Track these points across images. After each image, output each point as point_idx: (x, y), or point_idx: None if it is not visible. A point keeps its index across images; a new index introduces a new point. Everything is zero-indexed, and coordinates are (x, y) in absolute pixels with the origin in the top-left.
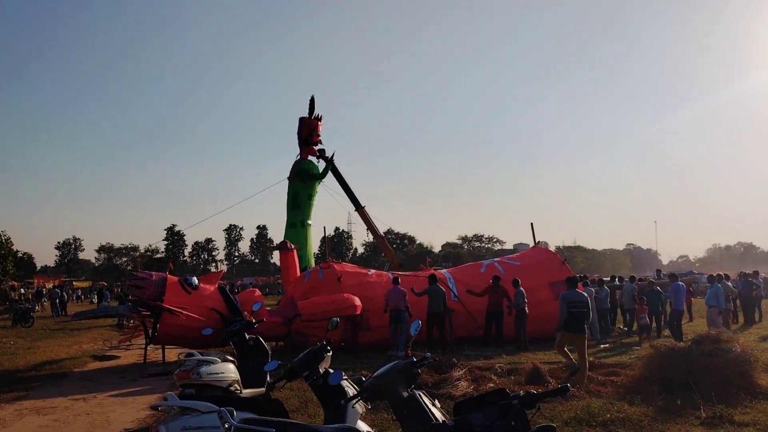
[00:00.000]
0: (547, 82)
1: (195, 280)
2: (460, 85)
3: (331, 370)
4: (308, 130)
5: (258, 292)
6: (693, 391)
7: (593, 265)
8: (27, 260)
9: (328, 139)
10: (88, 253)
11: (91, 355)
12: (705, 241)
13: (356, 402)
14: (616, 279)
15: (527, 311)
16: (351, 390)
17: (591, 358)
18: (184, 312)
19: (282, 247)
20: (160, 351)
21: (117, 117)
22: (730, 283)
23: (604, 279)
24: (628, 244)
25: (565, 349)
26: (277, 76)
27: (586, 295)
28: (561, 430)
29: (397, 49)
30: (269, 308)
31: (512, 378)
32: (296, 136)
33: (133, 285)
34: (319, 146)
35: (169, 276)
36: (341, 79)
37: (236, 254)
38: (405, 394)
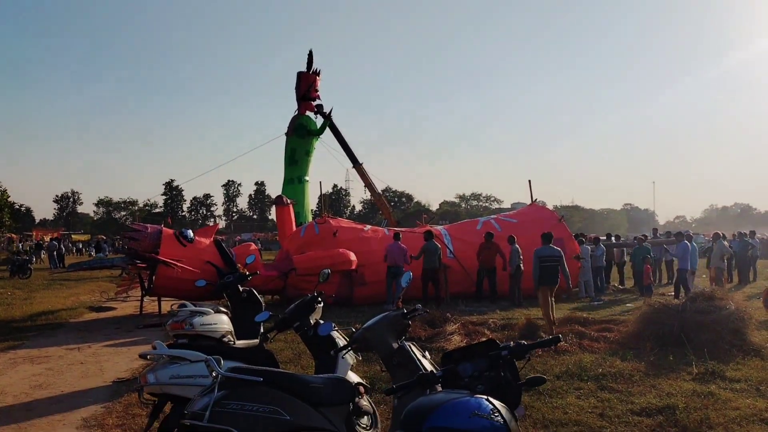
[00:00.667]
0: (549, 39)
1: (190, 233)
2: (461, 41)
3: (322, 321)
4: (306, 86)
5: (254, 246)
6: (686, 347)
7: (590, 225)
8: (25, 213)
9: (327, 94)
10: (87, 207)
11: (88, 306)
12: (702, 201)
13: (346, 353)
14: (612, 237)
15: (523, 268)
16: (341, 341)
17: (585, 314)
18: (179, 264)
19: (278, 201)
20: (156, 303)
21: (117, 69)
22: (726, 243)
23: (601, 237)
24: (625, 204)
25: (549, 309)
26: (277, 30)
27: (558, 249)
28: (552, 384)
29: (399, 8)
30: (266, 263)
31: (506, 333)
32: (294, 91)
33: (129, 237)
34: (317, 102)
35: (164, 229)
36: (341, 34)
37: (234, 210)
38: (395, 345)
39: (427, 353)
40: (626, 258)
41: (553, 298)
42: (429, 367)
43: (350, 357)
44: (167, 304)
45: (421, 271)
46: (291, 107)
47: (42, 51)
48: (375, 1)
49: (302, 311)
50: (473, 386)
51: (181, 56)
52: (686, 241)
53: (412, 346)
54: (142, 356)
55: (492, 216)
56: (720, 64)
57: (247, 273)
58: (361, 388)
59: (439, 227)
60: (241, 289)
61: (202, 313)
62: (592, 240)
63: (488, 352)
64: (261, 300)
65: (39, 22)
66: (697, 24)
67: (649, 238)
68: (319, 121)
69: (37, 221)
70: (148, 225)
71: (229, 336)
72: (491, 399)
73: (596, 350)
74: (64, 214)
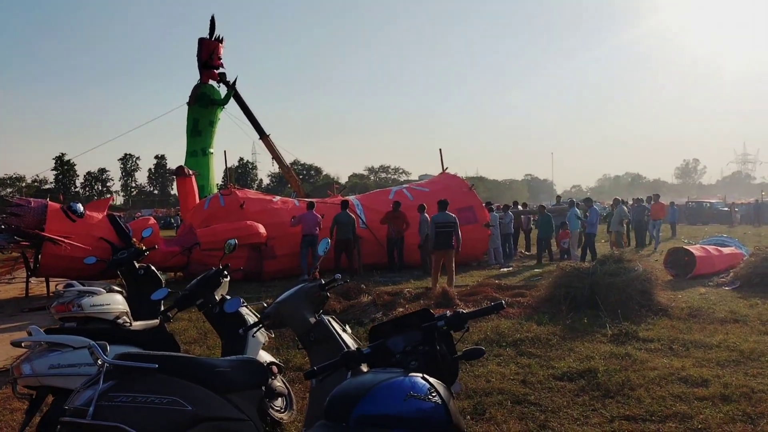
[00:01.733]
0: (457, 17)
1: (80, 207)
2: (369, 11)
3: (228, 297)
4: (208, 53)
5: (153, 220)
6: (599, 309)
7: (494, 195)
8: None
9: (231, 63)
10: None
11: None
12: (596, 172)
13: (257, 331)
14: (519, 205)
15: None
16: (251, 318)
17: (497, 281)
18: (66, 241)
19: (179, 172)
20: (44, 284)
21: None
22: (625, 209)
23: (509, 205)
24: (526, 175)
25: (438, 271)
26: None
27: (454, 216)
28: None
29: None
30: (167, 238)
31: (421, 302)
32: (196, 59)
33: (10, 213)
34: (221, 70)
35: (50, 203)
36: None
37: (133, 185)
38: (312, 320)
39: (347, 327)
40: (532, 225)
41: (453, 266)
42: (351, 343)
43: (262, 335)
44: (57, 285)
45: (334, 243)
46: (194, 76)
47: None
48: None
49: (206, 287)
50: (406, 363)
51: (77, 23)
52: (595, 207)
53: (331, 320)
54: (15, 344)
55: (404, 185)
56: (614, 39)
57: (144, 248)
58: (274, 368)
59: (351, 197)
60: (137, 265)
61: (92, 293)
62: (502, 208)
63: (421, 323)
64: (161, 277)
65: None
66: (592, 6)
67: (549, 206)
68: (223, 90)
69: None
70: (32, 199)
71: (124, 317)
72: (426, 376)
73: (512, 316)
74: None
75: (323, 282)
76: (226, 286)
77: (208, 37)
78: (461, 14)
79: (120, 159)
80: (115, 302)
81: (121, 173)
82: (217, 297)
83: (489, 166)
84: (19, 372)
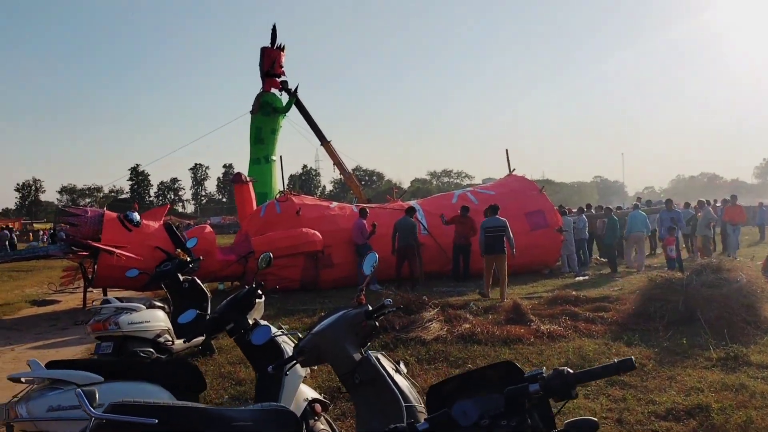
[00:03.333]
0: (514, 13)
1: (137, 216)
2: (426, 15)
3: (263, 322)
4: (270, 62)
5: (209, 228)
6: (697, 327)
7: (562, 198)
8: None
9: (292, 70)
10: (50, 195)
11: (31, 300)
12: (670, 172)
13: (290, 368)
14: (593, 209)
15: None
16: (289, 346)
17: (574, 292)
18: (117, 251)
19: (237, 179)
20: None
21: (77, 53)
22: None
23: (584, 208)
24: (595, 177)
25: (490, 276)
26: (240, 5)
27: (503, 219)
28: None
29: None
30: (224, 246)
31: (490, 317)
32: (258, 68)
33: (67, 222)
34: (283, 78)
35: (107, 212)
36: (306, 8)
37: (203, 194)
38: (357, 356)
39: (402, 365)
40: None
41: (506, 272)
42: (407, 386)
43: (300, 368)
44: (116, 296)
45: (396, 250)
46: (257, 85)
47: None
48: None
49: (237, 309)
50: None
51: (142, 37)
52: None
53: (381, 357)
54: (13, 379)
55: (468, 188)
56: (682, 27)
57: (189, 259)
58: (318, 407)
59: (413, 202)
60: (181, 278)
61: (131, 310)
62: (576, 211)
63: (504, 383)
64: (206, 291)
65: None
66: None
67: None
68: (285, 98)
69: None
70: (88, 208)
71: (165, 335)
72: None
73: (595, 334)
74: (26, 202)
75: (370, 308)
76: (261, 308)
77: (270, 46)
78: (521, 10)
79: (191, 168)
80: (156, 319)
81: (192, 182)
82: (249, 321)
83: (556, 168)
84: (15, 414)
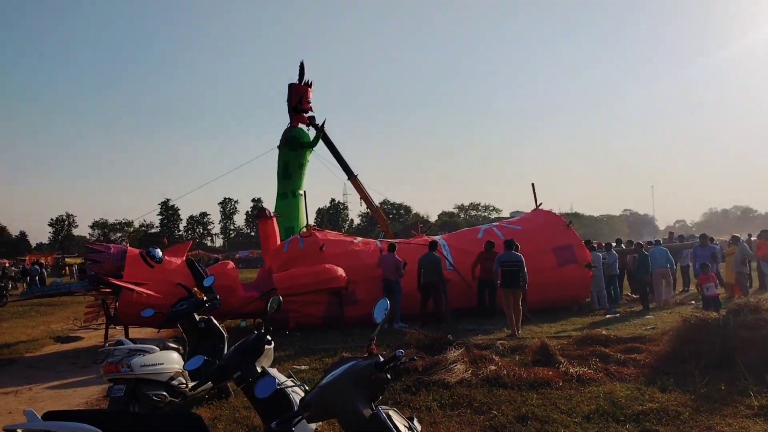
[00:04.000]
0: (541, 47)
1: (158, 252)
2: (450, 48)
3: (272, 371)
4: (298, 97)
5: (231, 265)
6: (734, 371)
7: (591, 232)
8: (21, 238)
9: (319, 106)
10: (83, 230)
11: (55, 336)
12: (701, 205)
13: (296, 424)
14: (623, 244)
15: (527, 279)
16: (299, 397)
17: (604, 331)
18: (138, 288)
19: (260, 214)
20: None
21: (105, 88)
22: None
23: (612, 244)
24: (624, 210)
25: (513, 314)
26: (267, 41)
27: (519, 255)
28: (581, 427)
29: (389, 11)
30: (247, 282)
31: (517, 357)
32: (286, 103)
33: (90, 259)
34: (310, 113)
35: (129, 249)
36: (332, 44)
37: (232, 228)
38: (367, 412)
39: (416, 422)
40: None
41: (520, 306)
42: None
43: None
44: (139, 335)
45: (420, 286)
46: (284, 120)
47: (29, 74)
48: (367, 13)
49: (245, 356)
50: None
51: (172, 75)
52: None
53: (392, 413)
54: (8, 431)
55: (494, 223)
56: (710, 56)
57: (205, 298)
58: None
59: (437, 237)
60: (197, 318)
61: (144, 352)
62: (604, 246)
63: None
64: (223, 331)
65: (31, 43)
66: (684, 24)
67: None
68: (312, 133)
69: (33, 246)
70: (112, 245)
71: (179, 378)
72: None
73: (627, 378)
74: (59, 237)
75: (381, 359)
76: (270, 355)
77: (297, 82)
78: (550, 44)
79: (220, 203)
80: (170, 361)
81: (221, 216)
82: (258, 369)
83: (584, 201)
84: None
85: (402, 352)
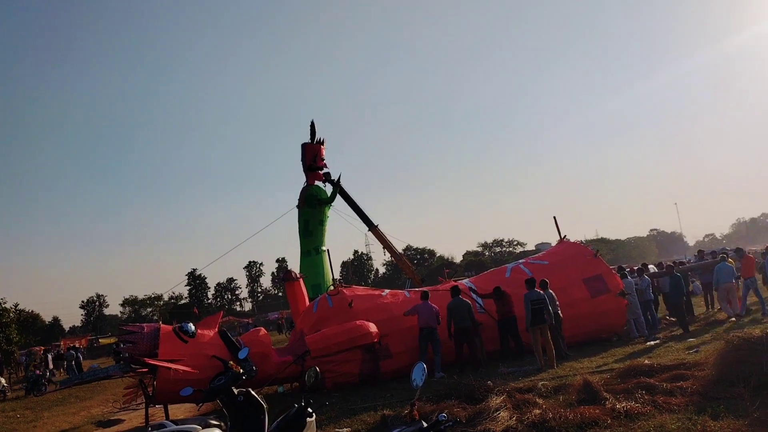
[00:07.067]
0: (549, 75)
1: (191, 326)
2: (461, 87)
3: None
4: (312, 156)
5: (263, 331)
6: None
7: (619, 256)
8: (54, 323)
9: (333, 161)
10: (113, 308)
11: (96, 421)
12: (728, 215)
13: None
14: (652, 266)
15: (561, 315)
16: None
17: (647, 360)
18: (174, 366)
19: (287, 277)
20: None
21: (117, 167)
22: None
23: (642, 268)
24: (651, 230)
25: (540, 347)
26: (277, 104)
27: (542, 293)
28: None
29: (396, 60)
30: (280, 347)
31: (561, 398)
32: (301, 163)
33: (125, 341)
34: (325, 170)
35: (162, 326)
36: (341, 98)
37: (259, 290)
38: None
39: None
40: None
41: (550, 340)
42: None
43: None
44: (179, 412)
45: (453, 333)
46: (301, 179)
47: (52, 152)
48: (375, 59)
49: (288, 430)
50: None
51: (183, 147)
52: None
53: None
54: None
55: (520, 260)
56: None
57: (242, 371)
58: None
59: (464, 281)
60: (236, 391)
61: None
62: (636, 271)
63: None
64: (262, 402)
65: (50, 118)
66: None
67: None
68: (329, 189)
69: (66, 330)
70: (145, 324)
71: None
72: None
73: (676, 408)
74: (91, 318)
75: (425, 425)
76: (313, 427)
77: (310, 141)
78: (566, 71)
79: (245, 267)
80: None
81: (248, 280)
82: None
83: (608, 225)
84: None
85: (445, 416)
